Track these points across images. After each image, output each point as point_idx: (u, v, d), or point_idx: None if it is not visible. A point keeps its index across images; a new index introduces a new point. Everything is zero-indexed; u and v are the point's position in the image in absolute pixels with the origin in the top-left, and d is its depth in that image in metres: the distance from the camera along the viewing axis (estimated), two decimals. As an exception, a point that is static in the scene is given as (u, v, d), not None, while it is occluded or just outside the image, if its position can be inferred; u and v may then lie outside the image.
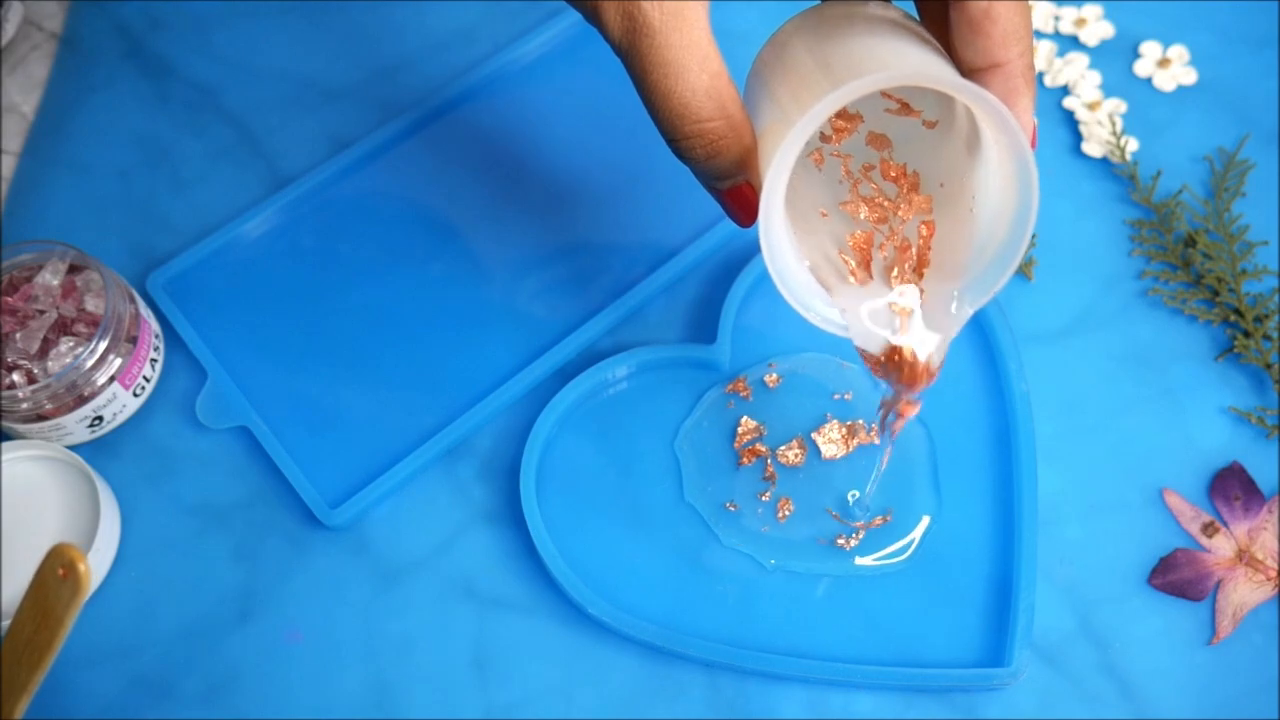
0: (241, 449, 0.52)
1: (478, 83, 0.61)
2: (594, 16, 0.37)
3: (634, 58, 0.36)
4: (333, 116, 0.61)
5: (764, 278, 0.55)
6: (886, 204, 0.40)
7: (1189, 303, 0.54)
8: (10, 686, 0.34)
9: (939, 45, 0.37)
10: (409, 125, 0.59)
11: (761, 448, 0.50)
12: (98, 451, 0.52)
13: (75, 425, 0.50)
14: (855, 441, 0.50)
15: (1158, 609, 0.48)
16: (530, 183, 0.58)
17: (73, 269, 0.52)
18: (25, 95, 0.62)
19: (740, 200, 0.38)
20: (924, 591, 0.47)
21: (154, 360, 0.52)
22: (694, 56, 0.36)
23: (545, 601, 0.48)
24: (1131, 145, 0.58)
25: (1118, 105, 0.59)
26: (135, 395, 0.52)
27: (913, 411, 0.40)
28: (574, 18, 0.63)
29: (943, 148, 0.39)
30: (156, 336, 0.53)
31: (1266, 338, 0.52)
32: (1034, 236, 0.56)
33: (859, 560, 0.48)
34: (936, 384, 0.52)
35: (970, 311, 0.38)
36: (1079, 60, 0.61)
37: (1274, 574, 0.48)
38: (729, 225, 0.56)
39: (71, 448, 0.51)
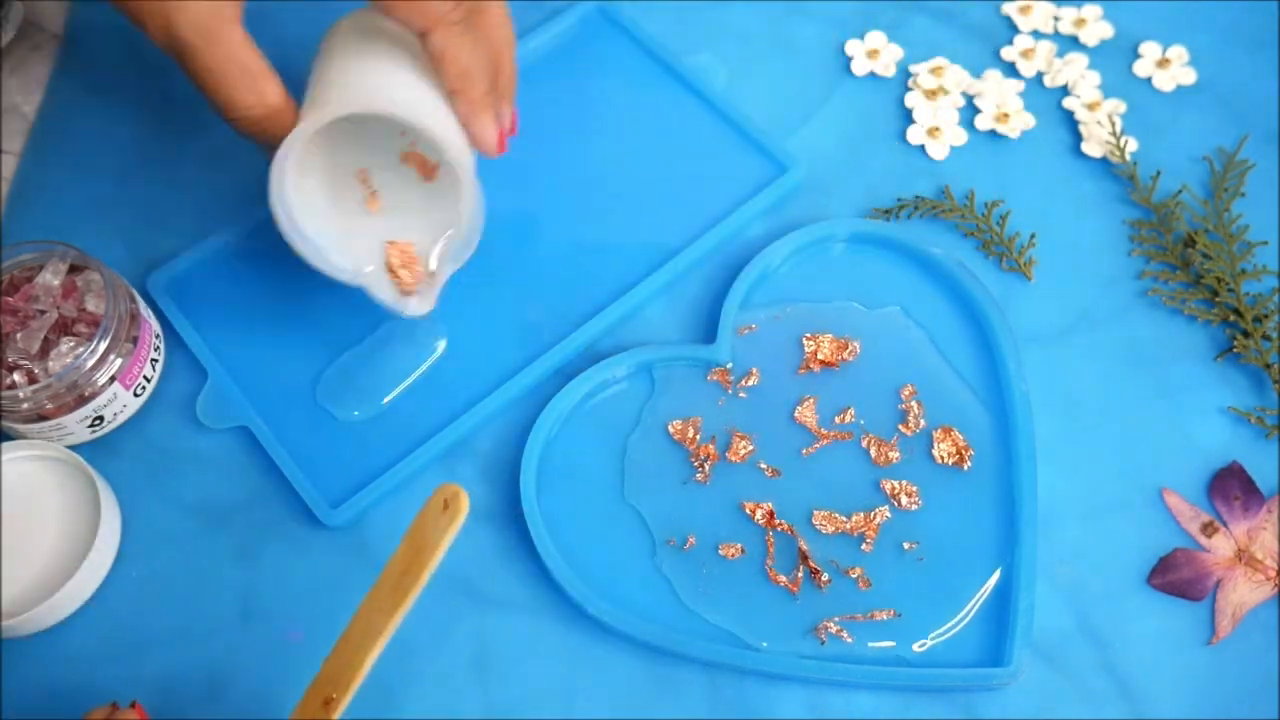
0: (241, 449, 0.52)
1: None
2: (138, 25, 0.45)
3: (182, 65, 0.45)
4: (333, 117, 0.61)
5: (764, 277, 0.55)
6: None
7: (1188, 303, 0.54)
8: (379, 612, 0.36)
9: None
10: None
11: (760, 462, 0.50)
12: (98, 451, 0.52)
13: (76, 425, 0.50)
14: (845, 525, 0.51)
15: (1157, 609, 0.48)
16: (530, 183, 0.58)
17: (73, 269, 0.52)
18: (26, 95, 0.62)
19: None
20: (924, 591, 0.47)
21: (154, 360, 0.52)
22: (233, 64, 0.45)
23: (545, 601, 0.48)
24: (1131, 145, 0.58)
25: (1117, 105, 0.59)
26: (136, 395, 0.52)
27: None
28: (575, 18, 0.63)
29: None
30: (157, 337, 0.53)
31: (1266, 338, 0.52)
32: (1033, 236, 0.56)
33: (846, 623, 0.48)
34: (936, 384, 0.52)
35: (442, 276, 0.50)
36: (1079, 60, 0.61)
37: (1273, 574, 0.48)
38: (729, 225, 0.56)
39: (72, 448, 0.51)
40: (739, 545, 0.48)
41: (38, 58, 0.64)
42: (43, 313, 0.50)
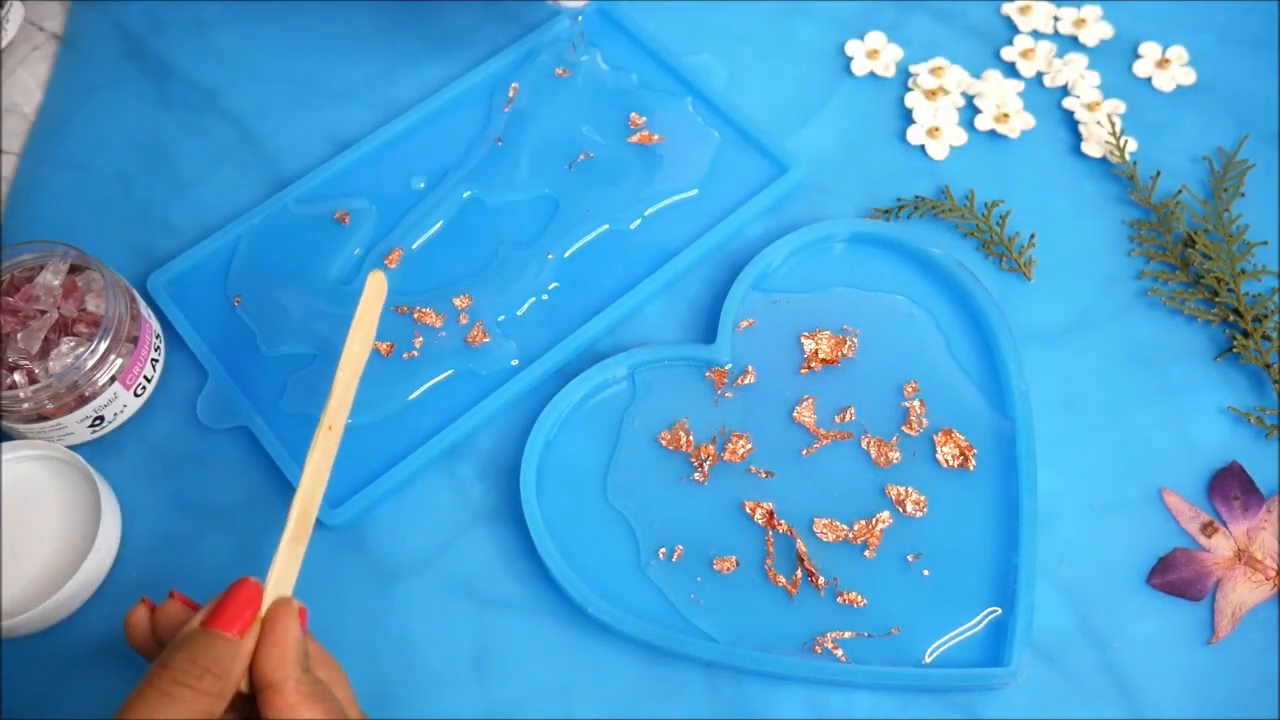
0: (241, 449, 0.52)
1: (477, 83, 0.61)
2: None
3: None
4: (333, 116, 0.61)
5: (764, 277, 0.55)
6: None
7: (1188, 303, 0.54)
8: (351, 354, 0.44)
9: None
10: (409, 125, 0.59)
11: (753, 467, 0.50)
12: (98, 451, 0.52)
13: (76, 425, 0.50)
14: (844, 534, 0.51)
15: (1157, 609, 0.48)
16: (530, 183, 0.58)
17: (74, 269, 0.52)
18: (26, 95, 0.62)
19: None
20: (924, 591, 0.47)
21: (155, 360, 0.52)
22: None
23: (545, 601, 0.48)
24: (1131, 145, 0.58)
25: (1117, 106, 0.59)
26: (136, 395, 0.52)
27: None
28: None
29: None
30: (157, 336, 0.53)
31: (1265, 338, 0.52)
32: (1033, 236, 0.56)
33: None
34: (938, 381, 0.52)
35: None
36: (1078, 61, 0.61)
37: (1273, 574, 0.48)
38: (729, 225, 0.56)
39: (72, 448, 0.51)
40: (733, 558, 0.48)
41: (38, 58, 0.64)
42: (43, 313, 0.50)
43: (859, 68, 0.61)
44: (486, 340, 0.54)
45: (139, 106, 0.62)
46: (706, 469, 0.50)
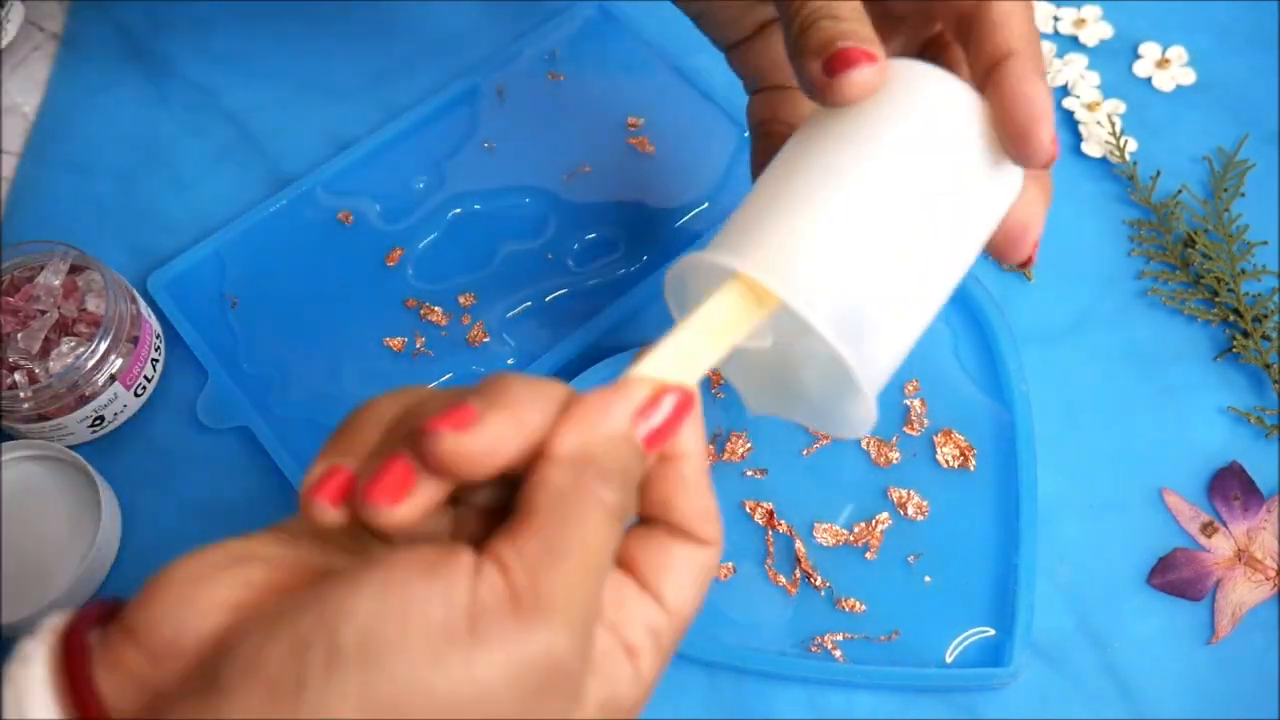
0: (241, 449, 0.52)
1: (478, 83, 0.61)
2: None
3: None
4: (333, 116, 0.61)
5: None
6: None
7: (1188, 303, 0.54)
8: None
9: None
10: (409, 125, 0.59)
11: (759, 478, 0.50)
12: (99, 451, 0.52)
13: (76, 425, 0.50)
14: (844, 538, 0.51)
15: (1157, 609, 0.48)
16: (531, 183, 0.58)
17: (74, 269, 0.52)
18: (26, 95, 0.62)
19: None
20: (924, 592, 0.47)
21: (155, 360, 0.52)
22: None
23: (545, 601, 0.48)
24: (1131, 145, 0.58)
25: (1117, 106, 0.59)
26: (136, 395, 0.52)
27: None
28: (575, 18, 0.63)
29: None
30: (157, 336, 0.53)
31: (1265, 338, 0.52)
32: (1034, 236, 0.56)
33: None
34: (936, 384, 0.52)
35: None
36: (1078, 61, 0.61)
37: (1273, 574, 0.48)
38: (729, 225, 0.56)
39: (72, 448, 0.51)
40: (729, 565, 0.48)
41: (38, 58, 0.64)
42: (43, 313, 0.50)
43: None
44: (486, 340, 0.54)
45: (139, 106, 0.62)
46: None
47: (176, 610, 0.26)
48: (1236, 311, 0.53)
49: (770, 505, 0.49)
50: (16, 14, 0.63)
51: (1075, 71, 0.60)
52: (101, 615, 0.28)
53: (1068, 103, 0.60)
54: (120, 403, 0.51)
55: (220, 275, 0.56)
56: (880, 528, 0.49)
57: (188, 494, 0.51)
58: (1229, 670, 0.46)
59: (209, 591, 0.26)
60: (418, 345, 0.54)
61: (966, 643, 0.46)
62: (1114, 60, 0.61)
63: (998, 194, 0.34)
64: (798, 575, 0.48)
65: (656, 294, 0.55)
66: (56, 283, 0.51)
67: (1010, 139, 0.33)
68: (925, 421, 0.51)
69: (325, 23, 0.64)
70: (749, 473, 0.50)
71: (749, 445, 0.51)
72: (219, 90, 0.62)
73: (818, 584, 0.48)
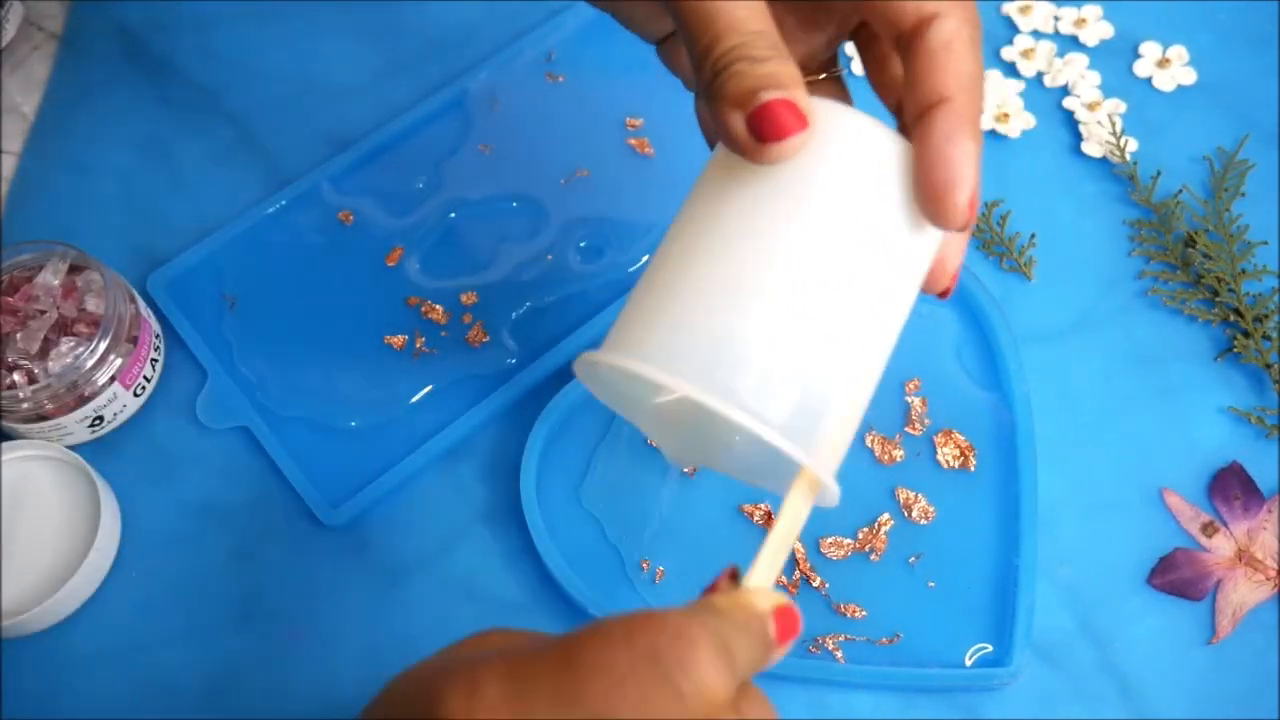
0: (241, 449, 0.52)
1: (478, 83, 0.61)
2: None
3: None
4: (333, 116, 0.61)
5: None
6: None
7: (1188, 303, 0.54)
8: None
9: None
10: (409, 125, 0.59)
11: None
12: (98, 451, 0.52)
13: (76, 425, 0.50)
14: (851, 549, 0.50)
15: (1157, 609, 0.48)
16: (531, 183, 0.58)
17: (73, 269, 0.52)
18: (25, 95, 0.62)
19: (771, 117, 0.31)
20: (924, 591, 0.47)
21: (154, 360, 0.52)
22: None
23: (545, 601, 0.48)
24: (1131, 145, 0.58)
25: (1117, 105, 0.59)
26: (136, 395, 0.52)
27: None
28: (576, 17, 0.63)
29: None
30: (157, 336, 0.53)
31: (1266, 337, 0.52)
32: (1033, 236, 0.56)
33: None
34: (937, 384, 0.52)
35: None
36: (1079, 60, 0.61)
37: (1273, 574, 0.48)
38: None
39: (72, 448, 0.51)
40: (729, 565, 0.48)
41: (38, 58, 0.64)
42: (43, 313, 0.50)
43: (860, 68, 0.61)
44: (486, 340, 0.54)
45: (139, 106, 0.62)
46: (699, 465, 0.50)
47: None
48: (1237, 311, 0.53)
49: (769, 506, 0.49)
50: (16, 14, 0.63)
51: (1075, 71, 0.60)
52: None
53: (1068, 102, 0.60)
54: (120, 403, 0.51)
55: (220, 275, 0.56)
56: (884, 529, 0.49)
57: (187, 494, 0.51)
58: (1229, 670, 0.46)
59: None
60: (418, 345, 0.54)
61: (966, 643, 0.46)
62: (1114, 60, 0.61)
63: (930, 241, 0.33)
64: (798, 576, 0.48)
65: (656, 294, 0.55)
66: (56, 283, 0.51)
67: (925, 199, 0.31)
68: (926, 421, 0.51)
69: (325, 23, 0.64)
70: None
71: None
72: (219, 90, 0.62)
73: (817, 584, 0.48)
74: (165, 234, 0.57)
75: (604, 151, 0.59)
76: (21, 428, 0.50)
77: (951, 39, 0.32)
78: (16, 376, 0.49)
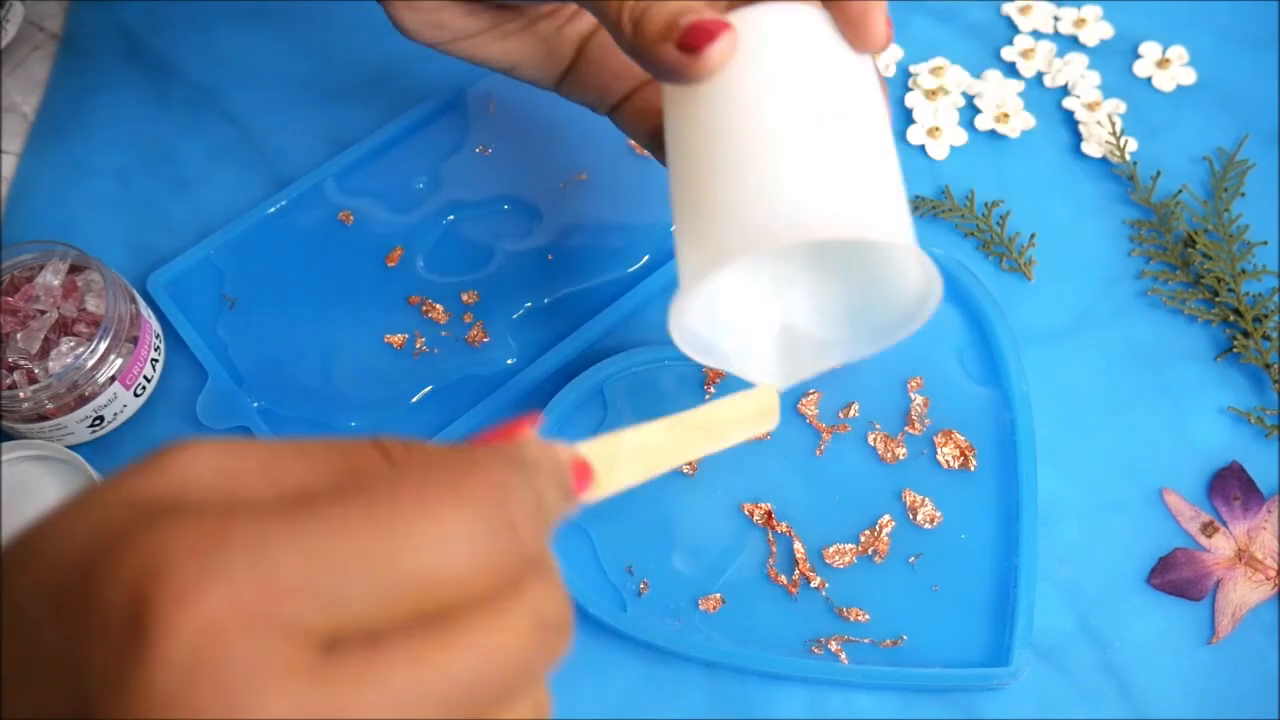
0: (242, 449, 0.52)
1: (478, 83, 0.61)
2: None
3: None
4: (333, 116, 0.61)
5: (764, 278, 0.55)
6: None
7: (1188, 303, 0.54)
8: None
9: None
10: (409, 125, 0.59)
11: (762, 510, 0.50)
12: (99, 451, 0.52)
13: (76, 425, 0.50)
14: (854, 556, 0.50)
15: (1157, 609, 0.48)
16: (531, 183, 0.58)
17: (73, 269, 0.52)
18: (25, 95, 0.62)
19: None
20: (924, 591, 0.47)
21: (155, 360, 0.52)
22: None
23: (545, 601, 0.48)
24: (1131, 145, 0.58)
25: (1117, 105, 0.59)
26: (136, 395, 0.52)
27: None
28: (574, 18, 0.63)
29: None
30: (157, 336, 0.53)
31: (1266, 337, 0.52)
32: (1033, 236, 0.56)
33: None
34: (937, 384, 0.52)
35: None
36: (1078, 60, 0.61)
37: (1273, 574, 0.48)
38: (729, 225, 0.56)
39: (72, 448, 0.51)
40: (717, 596, 0.48)
41: (38, 58, 0.64)
42: (43, 313, 0.50)
43: None
44: (486, 340, 0.54)
45: (139, 106, 0.62)
46: (695, 461, 0.50)
47: None
48: (1237, 311, 0.53)
49: (769, 506, 0.49)
50: (16, 14, 0.63)
51: (1075, 71, 0.60)
52: None
53: (1067, 103, 0.60)
54: (120, 403, 0.51)
55: (220, 275, 0.56)
56: (885, 531, 0.49)
57: (188, 494, 0.51)
58: (1229, 670, 0.46)
59: None
60: (418, 345, 0.54)
61: (967, 644, 0.46)
62: (1114, 60, 0.61)
63: (868, 62, 0.38)
64: (798, 576, 0.48)
65: (656, 294, 0.55)
66: (56, 283, 0.51)
67: (851, 35, 0.36)
68: (926, 420, 0.51)
69: (325, 23, 0.64)
70: (760, 463, 0.50)
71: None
72: (219, 90, 0.62)
73: (816, 584, 0.48)
74: (165, 234, 0.57)
75: (604, 152, 0.59)
76: (21, 428, 0.50)
77: None
78: (16, 376, 0.49)
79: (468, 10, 0.44)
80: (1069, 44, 0.62)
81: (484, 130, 0.60)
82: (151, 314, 0.53)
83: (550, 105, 0.60)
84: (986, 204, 0.57)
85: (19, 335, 0.49)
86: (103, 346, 0.49)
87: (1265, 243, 0.55)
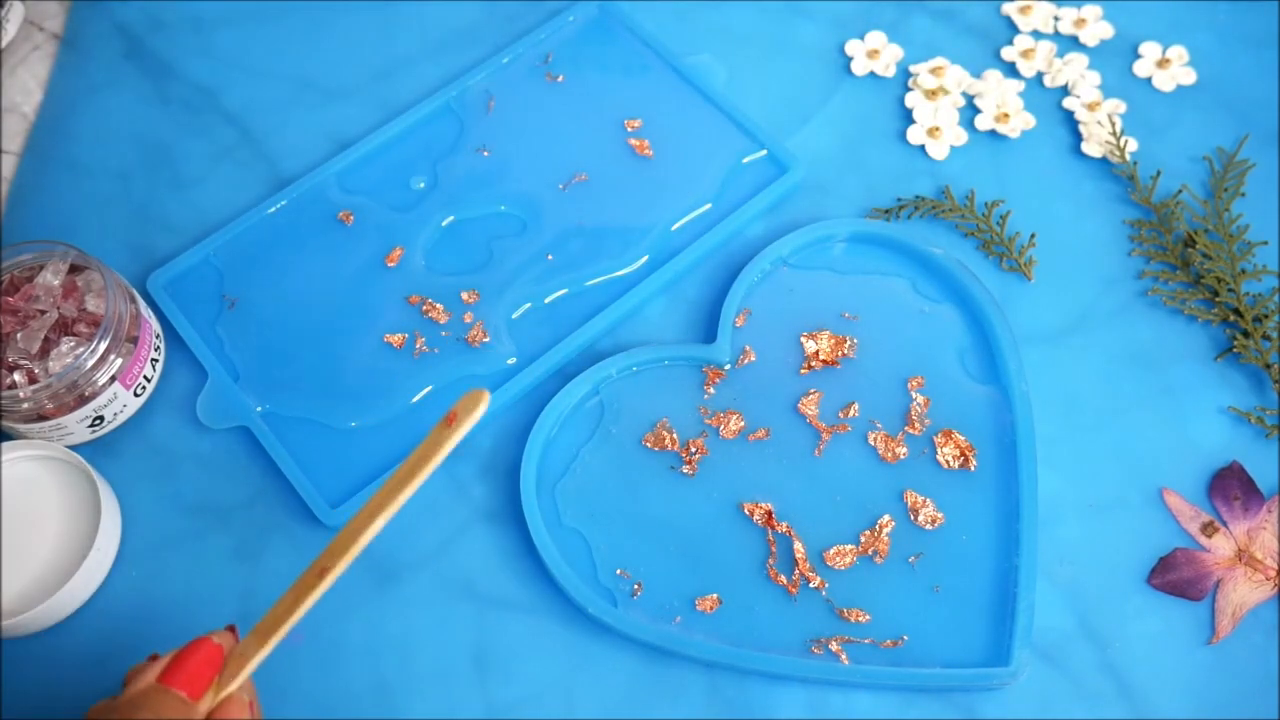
0: (241, 449, 0.52)
1: (477, 83, 0.61)
2: None
3: None
4: (333, 116, 0.61)
5: (765, 277, 0.55)
6: None
7: (1188, 303, 0.54)
8: (379, 502, 0.38)
9: None
10: (409, 125, 0.59)
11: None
12: (98, 451, 0.52)
13: (76, 425, 0.50)
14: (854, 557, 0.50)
15: (1157, 609, 0.48)
16: (530, 183, 0.58)
17: (74, 269, 0.52)
18: (26, 95, 0.62)
19: None
20: (924, 592, 0.47)
21: (154, 360, 0.52)
22: None
23: (545, 601, 0.48)
24: (1131, 145, 0.58)
25: (1117, 105, 0.59)
26: (136, 395, 0.52)
27: None
28: (575, 17, 0.63)
29: None
30: (157, 336, 0.53)
31: (1266, 338, 0.52)
32: (1033, 236, 0.56)
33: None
34: (937, 384, 0.52)
35: None
36: (1079, 60, 0.61)
37: (1273, 574, 0.48)
38: (729, 225, 0.56)
39: (72, 448, 0.51)
40: (714, 596, 0.48)
41: (38, 58, 0.64)
42: (43, 313, 0.50)
43: (859, 68, 0.61)
44: (486, 340, 0.54)
45: (139, 106, 0.62)
46: (695, 462, 0.50)
47: None
48: (1237, 311, 0.53)
49: (769, 506, 0.49)
50: (16, 14, 0.63)
51: (1075, 71, 0.60)
52: None
53: (1068, 102, 0.60)
54: (120, 403, 0.51)
55: (220, 275, 0.56)
56: (885, 531, 0.49)
57: (187, 494, 0.51)
58: (1229, 670, 0.46)
59: None
60: (418, 344, 0.54)
61: (967, 644, 0.46)
62: (1114, 60, 0.61)
63: None
64: (798, 576, 0.48)
65: (656, 294, 0.55)
66: (56, 283, 0.51)
67: None
68: (927, 420, 0.51)
69: (325, 23, 0.64)
70: (752, 437, 0.50)
71: (750, 432, 0.51)
72: (219, 90, 0.62)
73: (816, 584, 0.48)
74: (165, 234, 0.57)
75: (603, 152, 0.59)
76: (22, 428, 0.50)
77: None
78: (17, 376, 0.49)
79: None
80: (1069, 44, 0.62)
81: (483, 130, 0.60)
82: (151, 314, 0.53)
83: (550, 105, 0.60)
84: (986, 204, 0.57)
85: (19, 335, 0.49)
86: (103, 346, 0.49)
87: (1265, 243, 0.55)
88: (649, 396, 0.52)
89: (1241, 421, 0.51)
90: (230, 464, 0.52)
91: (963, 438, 0.50)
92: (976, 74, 0.61)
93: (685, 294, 0.55)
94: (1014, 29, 0.62)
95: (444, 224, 0.57)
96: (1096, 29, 0.62)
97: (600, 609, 0.47)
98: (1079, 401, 0.52)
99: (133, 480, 0.51)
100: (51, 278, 0.51)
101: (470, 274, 0.56)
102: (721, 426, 0.51)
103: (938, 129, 0.59)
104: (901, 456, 0.50)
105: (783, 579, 0.48)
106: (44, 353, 0.49)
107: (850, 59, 0.62)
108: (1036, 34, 0.62)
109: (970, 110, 0.60)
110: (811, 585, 0.48)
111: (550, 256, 0.56)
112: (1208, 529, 0.49)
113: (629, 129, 0.59)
